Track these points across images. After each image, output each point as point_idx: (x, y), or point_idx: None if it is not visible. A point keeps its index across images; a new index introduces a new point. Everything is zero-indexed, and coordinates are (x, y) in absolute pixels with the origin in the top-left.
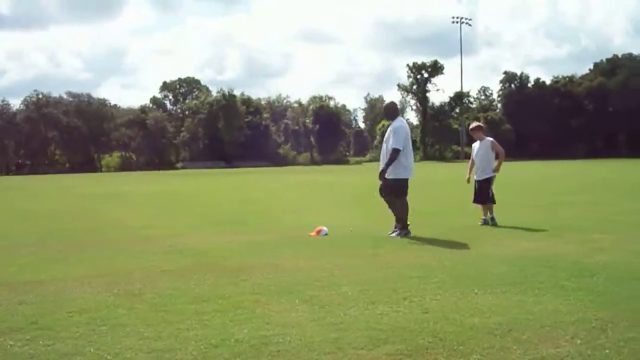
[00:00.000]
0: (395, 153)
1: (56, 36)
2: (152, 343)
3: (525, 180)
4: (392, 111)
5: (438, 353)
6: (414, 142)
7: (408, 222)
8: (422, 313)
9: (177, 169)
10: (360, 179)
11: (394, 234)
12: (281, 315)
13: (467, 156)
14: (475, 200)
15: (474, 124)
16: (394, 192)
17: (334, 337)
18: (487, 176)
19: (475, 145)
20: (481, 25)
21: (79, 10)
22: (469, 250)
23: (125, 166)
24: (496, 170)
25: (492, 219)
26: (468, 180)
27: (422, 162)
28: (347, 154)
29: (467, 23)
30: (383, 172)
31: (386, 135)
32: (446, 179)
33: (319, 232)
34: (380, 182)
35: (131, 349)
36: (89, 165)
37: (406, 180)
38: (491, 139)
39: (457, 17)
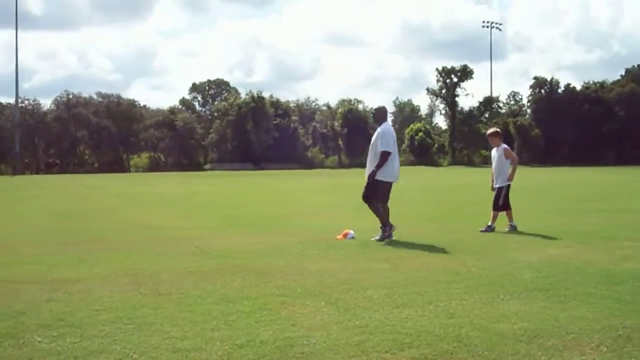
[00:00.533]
0: (385, 155)
1: (87, 37)
2: (178, 342)
3: (553, 186)
4: (383, 115)
5: (463, 358)
6: (442, 146)
7: (392, 223)
8: (448, 318)
9: (205, 170)
10: None
11: (377, 237)
12: (306, 317)
13: None
14: (494, 208)
15: (490, 130)
16: (378, 195)
17: (359, 340)
18: (501, 185)
19: (493, 151)
20: (511, 30)
21: (110, 12)
22: (495, 255)
23: (154, 167)
24: (510, 178)
25: (490, 227)
26: (492, 188)
27: (450, 167)
28: None
29: (497, 28)
30: (373, 173)
31: (373, 139)
32: (473, 184)
33: (345, 235)
34: (363, 187)
35: (157, 348)
36: (117, 165)
37: (390, 184)
38: (505, 145)
39: (488, 22)
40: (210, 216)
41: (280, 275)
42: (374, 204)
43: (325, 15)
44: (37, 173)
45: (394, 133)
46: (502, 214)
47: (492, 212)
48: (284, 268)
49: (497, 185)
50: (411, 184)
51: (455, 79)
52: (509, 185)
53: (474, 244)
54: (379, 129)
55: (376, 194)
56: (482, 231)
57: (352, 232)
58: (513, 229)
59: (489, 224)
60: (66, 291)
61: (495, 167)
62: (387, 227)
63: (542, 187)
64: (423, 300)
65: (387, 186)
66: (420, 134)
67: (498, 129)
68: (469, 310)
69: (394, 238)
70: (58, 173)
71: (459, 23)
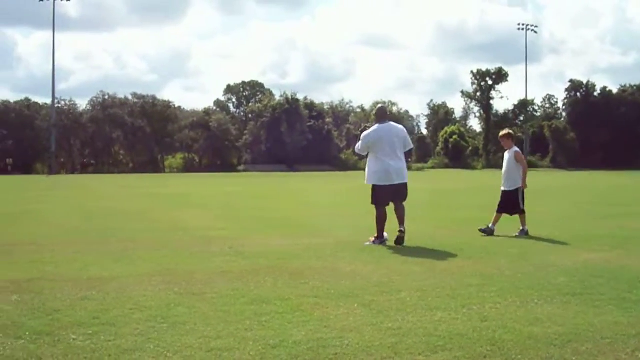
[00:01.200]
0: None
1: (122, 38)
2: (212, 342)
3: (588, 190)
4: (375, 115)
5: None
6: (476, 149)
7: (385, 233)
8: (481, 321)
9: (239, 171)
10: (421, 185)
11: (401, 229)
12: (339, 319)
13: (531, 164)
14: (499, 210)
15: (503, 132)
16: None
17: (392, 342)
18: (511, 188)
19: (506, 154)
20: (546, 33)
21: (145, 13)
22: (529, 259)
23: (188, 167)
24: (524, 184)
25: (489, 229)
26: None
27: (485, 170)
28: (410, 160)
29: (533, 30)
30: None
31: (392, 135)
32: None
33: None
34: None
35: (190, 347)
36: (152, 165)
37: (380, 187)
38: (517, 149)
39: (523, 24)
40: (243, 217)
41: (313, 276)
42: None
43: (359, 17)
44: (73, 173)
45: (384, 134)
46: (506, 217)
47: (495, 214)
48: (317, 269)
49: (505, 188)
50: (445, 187)
51: (490, 82)
52: (522, 190)
53: (508, 247)
54: (390, 126)
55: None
56: (481, 230)
57: (385, 234)
58: (524, 234)
59: (490, 225)
60: (101, 290)
61: (506, 170)
62: (379, 238)
63: (576, 191)
64: (456, 303)
65: (372, 189)
66: (455, 136)
67: (511, 131)
68: (503, 314)
69: (433, 241)
70: (93, 173)
71: (493, 25)
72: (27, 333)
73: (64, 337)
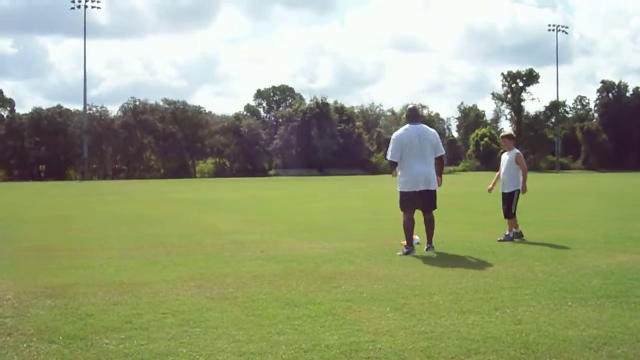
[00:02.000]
0: (390, 164)
1: (152, 45)
2: (244, 346)
3: (621, 192)
4: (417, 114)
5: None
6: None
7: (416, 237)
8: (515, 324)
9: (269, 176)
10: (452, 188)
11: (428, 246)
12: (372, 323)
13: (563, 166)
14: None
15: (506, 132)
16: (435, 203)
17: (425, 346)
18: (509, 190)
19: (504, 155)
20: (576, 33)
21: (174, 20)
22: (563, 261)
23: (219, 172)
24: (524, 189)
25: (517, 233)
26: (490, 190)
27: None
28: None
29: (563, 31)
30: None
31: (420, 137)
32: (540, 190)
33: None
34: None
35: (223, 351)
36: (183, 171)
37: (404, 193)
38: (518, 151)
39: (554, 25)
40: (275, 221)
41: (345, 280)
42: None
43: (389, 20)
44: (105, 179)
45: (412, 136)
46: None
47: (507, 221)
48: (349, 273)
49: (506, 191)
50: (476, 190)
51: (520, 84)
52: (517, 191)
53: (541, 249)
54: (421, 128)
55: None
56: (500, 241)
57: (417, 237)
58: (509, 239)
59: (507, 232)
60: (133, 294)
61: (505, 172)
62: (406, 247)
63: (609, 193)
64: (489, 307)
65: (400, 196)
66: (486, 139)
67: (512, 133)
68: (536, 317)
69: (465, 244)
70: (125, 179)
71: (523, 27)
72: (61, 337)
73: (97, 341)
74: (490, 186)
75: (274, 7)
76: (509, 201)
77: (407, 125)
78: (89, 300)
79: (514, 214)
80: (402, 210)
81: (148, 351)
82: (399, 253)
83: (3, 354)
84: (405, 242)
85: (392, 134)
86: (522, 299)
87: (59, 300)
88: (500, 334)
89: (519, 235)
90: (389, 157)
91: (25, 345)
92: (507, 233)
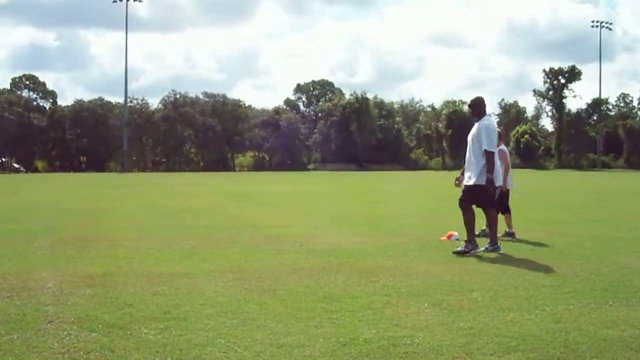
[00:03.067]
0: (491, 156)
1: (192, 38)
2: (282, 338)
3: None
4: (483, 108)
5: None
6: (548, 149)
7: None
8: (554, 322)
9: (308, 170)
10: None
11: (483, 248)
12: (410, 318)
13: (605, 165)
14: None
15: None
16: (489, 200)
17: (463, 342)
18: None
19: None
20: (619, 30)
21: (214, 14)
22: (604, 260)
23: (258, 166)
24: (504, 184)
25: (483, 230)
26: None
27: (557, 170)
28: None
29: (607, 27)
30: (489, 180)
31: (472, 135)
32: (582, 188)
33: (450, 236)
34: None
35: (261, 343)
36: (222, 164)
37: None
38: (503, 147)
39: (597, 21)
40: (313, 215)
41: (384, 275)
42: (470, 214)
43: (429, 15)
44: (144, 171)
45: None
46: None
47: (504, 216)
48: (388, 268)
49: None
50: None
51: (562, 80)
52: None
53: (583, 248)
54: (479, 124)
55: (489, 200)
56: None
57: (456, 233)
58: (484, 234)
59: (507, 230)
60: (172, 285)
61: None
62: (495, 243)
63: None
64: (529, 304)
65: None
66: (526, 136)
67: (499, 130)
68: (576, 316)
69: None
70: (164, 171)
71: (564, 23)
72: (101, 326)
73: (136, 331)
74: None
75: (314, 2)
76: (501, 196)
77: (490, 118)
78: (128, 290)
79: (496, 207)
80: (493, 204)
81: (186, 341)
82: (458, 249)
83: (44, 340)
84: (467, 243)
85: (431, 129)
86: (562, 298)
87: (98, 290)
88: (539, 332)
89: (511, 234)
90: (493, 148)
91: (65, 333)
92: (508, 230)
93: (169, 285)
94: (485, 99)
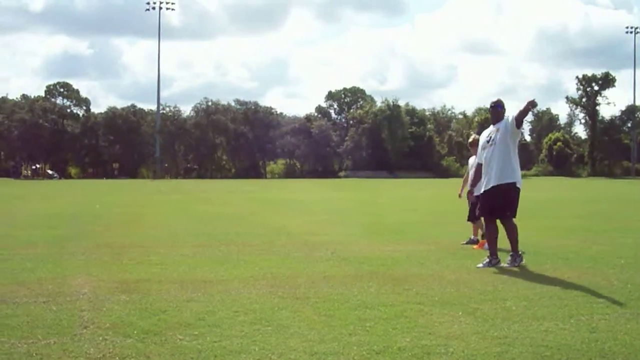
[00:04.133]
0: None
1: (223, 46)
2: (316, 346)
3: None
4: (503, 110)
5: None
6: (581, 156)
7: (520, 251)
8: (590, 332)
9: (339, 177)
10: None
11: (507, 264)
12: (444, 326)
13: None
14: (471, 218)
15: (472, 138)
16: (513, 206)
17: (498, 352)
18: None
19: (471, 159)
20: None
21: (246, 22)
22: (638, 269)
23: (290, 173)
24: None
25: (473, 240)
26: (460, 196)
27: (590, 178)
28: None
29: None
30: (512, 183)
31: (491, 137)
32: (616, 196)
33: (483, 245)
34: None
35: (295, 350)
36: (253, 171)
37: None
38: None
39: (631, 27)
40: (346, 223)
41: (417, 283)
42: (507, 221)
43: (459, 23)
44: (176, 177)
45: None
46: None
47: (473, 224)
48: (421, 276)
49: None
50: (551, 195)
51: (596, 87)
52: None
53: (617, 256)
54: (499, 125)
55: (512, 206)
56: (464, 244)
57: (522, 251)
58: (474, 243)
59: (472, 236)
60: (206, 292)
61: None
62: (518, 253)
63: None
64: (564, 313)
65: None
66: (559, 143)
67: (476, 135)
68: (612, 325)
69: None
70: (196, 178)
71: (596, 29)
72: (136, 332)
73: (171, 337)
74: (460, 192)
75: (345, 9)
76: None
77: None
78: (162, 296)
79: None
80: (515, 210)
81: (221, 348)
82: (479, 265)
83: (80, 346)
84: (516, 250)
85: (463, 136)
86: (597, 307)
87: (133, 296)
88: (575, 341)
89: (474, 242)
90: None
91: (101, 338)
92: (472, 237)
93: (202, 292)
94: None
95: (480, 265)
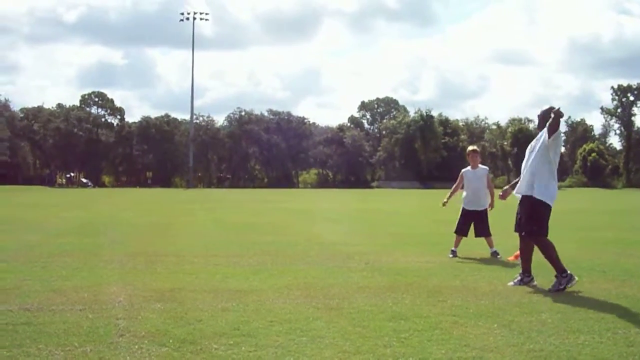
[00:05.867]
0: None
1: (256, 56)
2: (351, 357)
3: None
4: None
5: None
6: (616, 167)
7: (567, 271)
8: (627, 346)
9: (372, 187)
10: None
11: (551, 288)
12: (479, 339)
13: None
14: (461, 232)
15: (473, 147)
16: (538, 222)
17: None
18: (483, 208)
19: (468, 171)
20: None
21: (278, 32)
22: None
23: (322, 183)
24: (491, 206)
25: (495, 252)
26: (444, 204)
27: (625, 189)
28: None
29: None
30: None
31: (532, 145)
32: None
33: (517, 256)
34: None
35: None
36: (286, 180)
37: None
38: (487, 168)
39: None
40: (379, 233)
41: (451, 294)
42: (540, 239)
43: (491, 33)
44: (209, 187)
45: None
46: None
47: (488, 239)
48: (455, 287)
49: (477, 208)
50: (586, 206)
51: (631, 98)
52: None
53: None
54: (541, 134)
55: (539, 221)
56: (451, 257)
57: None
58: (455, 255)
59: (454, 248)
60: (241, 301)
61: (478, 189)
62: (565, 273)
63: None
64: (600, 327)
65: (549, 210)
66: (594, 154)
67: (477, 148)
68: None
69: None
70: (229, 187)
71: (629, 38)
72: (171, 341)
73: (206, 346)
74: (446, 200)
75: (376, 20)
76: (486, 218)
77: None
78: (197, 305)
79: (465, 231)
80: (544, 228)
81: (256, 358)
82: (509, 283)
83: (116, 354)
84: (561, 269)
85: (496, 147)
86: (635, 321)
87: (168, 305)
88: (611, 355)
89: (496, 254)
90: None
91: (137, 346)
92: (494, 249)
93: (237, 301)
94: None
95: (511, 283)
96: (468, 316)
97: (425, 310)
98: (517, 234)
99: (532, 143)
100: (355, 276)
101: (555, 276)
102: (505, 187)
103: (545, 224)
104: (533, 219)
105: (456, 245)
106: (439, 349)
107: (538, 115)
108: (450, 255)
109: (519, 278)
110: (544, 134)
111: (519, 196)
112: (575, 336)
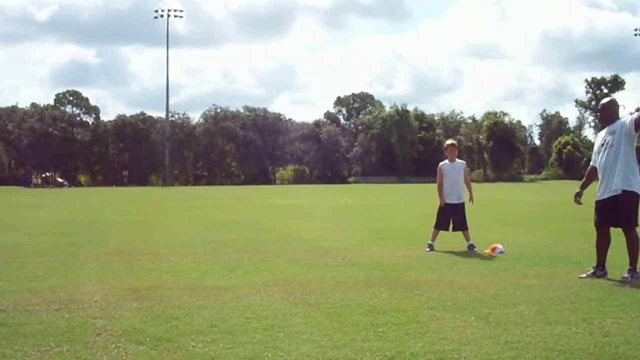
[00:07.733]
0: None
1: (230, 53)
2: (328, 352)
3: None
4: (616, 111)
5: None
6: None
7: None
8: (603, 336)
9: (349, 183)
10: (535, 196)
11: (627, 275)
12: (456, 331)
13: None
14: (442, 226)
15: (451, 141)
16: (633, 215)
17: (511, 356)
18: (461, 201)
19: (446, 165)
20: None
21: (252, 29)
22: None
23: (299, 179)
24: (471, 201)
25: (472, 245)
26: (444, 204)
27: None
28: (522, 171)
29: None
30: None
31: (606, 140)
32: None
33: (494, 249)
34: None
35: (308, 357)
36: (263, 177)
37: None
38: (464, 162)
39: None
40: (356, 228)
41: (429, 288)
42: (633, 235)
43: (464, 28)
44: (186, 184)
45: None
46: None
47: (465, 233)
48: (432, 281)
49: (458, 202)
50: (562, 199)
51: (605, 90)
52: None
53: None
54: (615, 127)
55: (633, 216)
56: (428, 251)
57: (500, 246)
58: (432, 249)
59: (431, 242)
60: (218, 298)
61: (456, 182)
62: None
63: None
64: (576, 317)
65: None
66: (569, 147)
67: (453, 141)
68: (625, 329)
69: (550, 254)
70: (205, 185)
71: (601, 32)
72: (148, 339)
73: (184, 344)
74: (442, 199)
75: (350, 16)
76: (464, 212)
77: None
78: (174, 303)
79: (445, 226)
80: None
81: (234, 355)
82: (582, 275)
83: (93, 353)
84: (632, 271)
85: (472, 141)
86: (610, 311)
87: (145, 303)
88: (588, 345)
89: (472, 247)
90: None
91: (113, 345)
92: (471, 242)
93: (214, 298)
94: (529, 114)
95: (583, 275)
96: (445, 309)
97: (403, 304)
98: (489, 228)
99: (604, 138)
100: (332, 271)
101: (629, 270)
102: (577, 191)
103: (637, 216)
104: (630, 212)
105: (433, 239)
106: (416, 343)
107: (599, 110)
108: (427, 249)
109: (592, 271)
110: (620, 128)
111: (608, 195)
112: (552, 327)
